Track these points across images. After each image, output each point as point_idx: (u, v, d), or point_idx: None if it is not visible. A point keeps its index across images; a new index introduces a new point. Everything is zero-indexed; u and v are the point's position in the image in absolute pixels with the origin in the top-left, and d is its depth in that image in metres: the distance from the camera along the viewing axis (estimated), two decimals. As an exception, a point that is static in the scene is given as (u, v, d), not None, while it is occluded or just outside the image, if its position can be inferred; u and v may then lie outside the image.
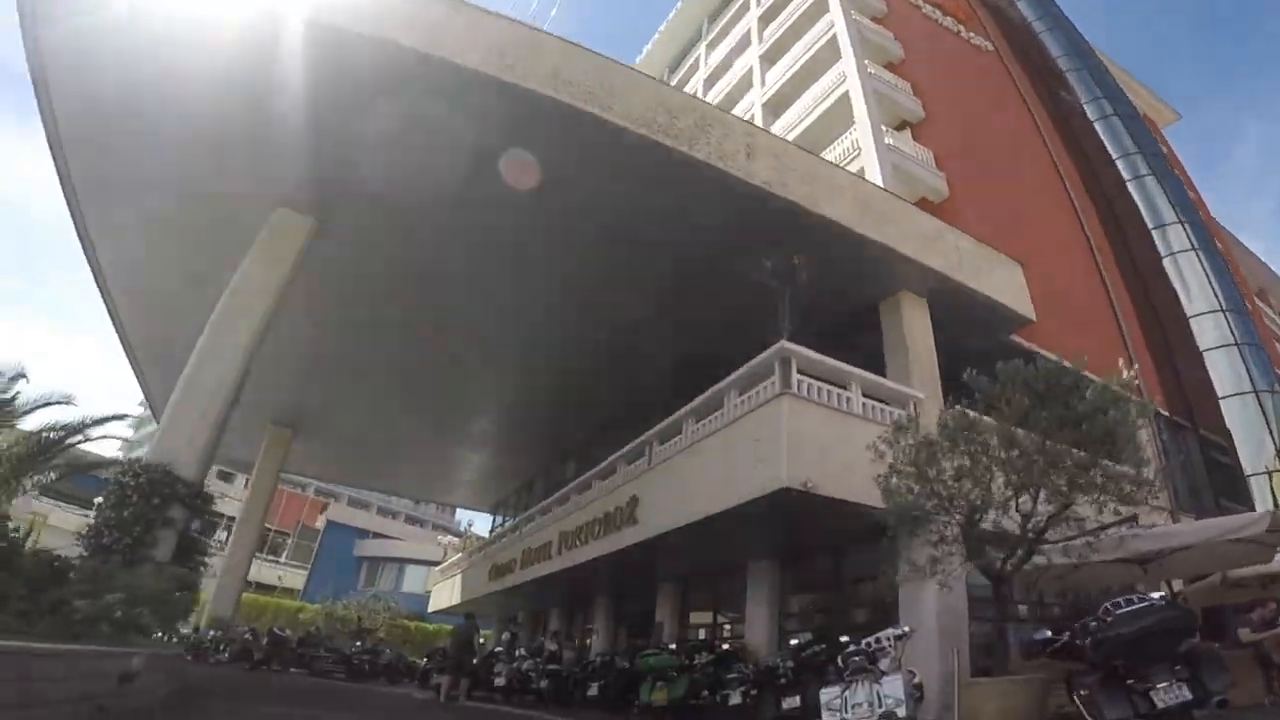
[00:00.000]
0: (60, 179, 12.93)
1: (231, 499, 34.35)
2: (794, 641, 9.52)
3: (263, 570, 40.29)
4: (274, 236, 12.42)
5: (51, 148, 12.12)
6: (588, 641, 18.85)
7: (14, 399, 12.70)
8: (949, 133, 17.82)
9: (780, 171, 11.35)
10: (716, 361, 11.89)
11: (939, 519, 7.45)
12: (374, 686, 16.87)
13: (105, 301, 17.36)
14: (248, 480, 27.06)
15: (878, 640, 6.88)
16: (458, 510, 62.85)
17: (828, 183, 11.92)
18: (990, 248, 13.10)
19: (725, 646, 11.85)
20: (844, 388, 10.07)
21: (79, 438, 13.71)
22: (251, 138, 11.23)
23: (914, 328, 11.93)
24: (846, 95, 17.98)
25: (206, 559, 12.35)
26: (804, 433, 9.12)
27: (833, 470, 8.92)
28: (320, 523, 46.82)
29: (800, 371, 9.77)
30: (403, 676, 19.15)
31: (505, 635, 15.78)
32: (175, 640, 11.44)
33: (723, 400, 11.12)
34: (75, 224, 14.10)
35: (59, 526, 33.66)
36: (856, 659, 6.64)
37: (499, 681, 14.14)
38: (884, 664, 6.61)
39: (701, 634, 14.24)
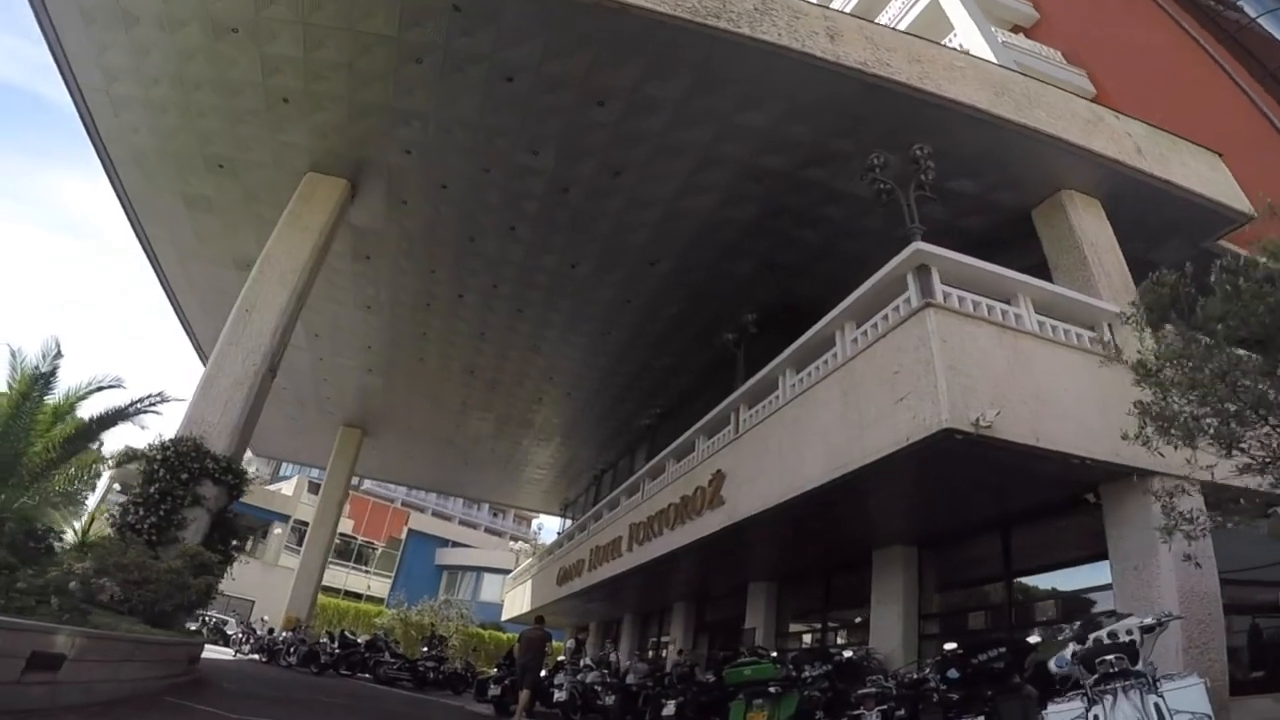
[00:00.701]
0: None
1: (306, 506, 34.53)
2: (950, 647, 6.73)
3: (351, 578, 40.89)
4: (305, 201, 11.79)
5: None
6: (661, 654, 16.38)
7: (53, 372, 11.14)
8: (1073, 32, 14.61)
9: (876, 52, 8.82)
10: (812, 309, 9.39)
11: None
12: (435, 696, 15.32)
13: (166, 290, 16.84)
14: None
15: (1112, 636, 4.22)
16: (534, 522, 62.27)
17: (941, 62, 9.19)
18: (1171, 134, 10.04)
19: (847, 654, 9.08)
20: (1007, 302, 7.33)
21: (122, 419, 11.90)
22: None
23: (1090, 233, 8.93)
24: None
25: (244, 545, 11.09)
26: (965, 356, 6.34)
27: (1013, 406, 6.12)
28: (403, 532, 46.45)
29: (945, 284, 7.02)
30: (468, 686, 17.44)
31: (570, 644, 13.55)
32: (194, 628, 10.02)
33: (833, 338, 8.49)
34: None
35: None
36: (1109, 658, 3.98)
37: (559, 696, 11.76)
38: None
39: (808, 641, 11.55)
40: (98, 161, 12.79)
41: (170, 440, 9.78)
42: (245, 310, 10.95)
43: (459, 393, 20.32)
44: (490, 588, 40.94)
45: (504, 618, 27.81)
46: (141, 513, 9.17)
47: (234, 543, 10.93)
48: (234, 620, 24.30)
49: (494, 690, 12.48)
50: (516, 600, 25.56)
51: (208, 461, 9.71)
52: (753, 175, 10.88)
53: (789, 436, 8.68)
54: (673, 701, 9.87)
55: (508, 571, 34.03)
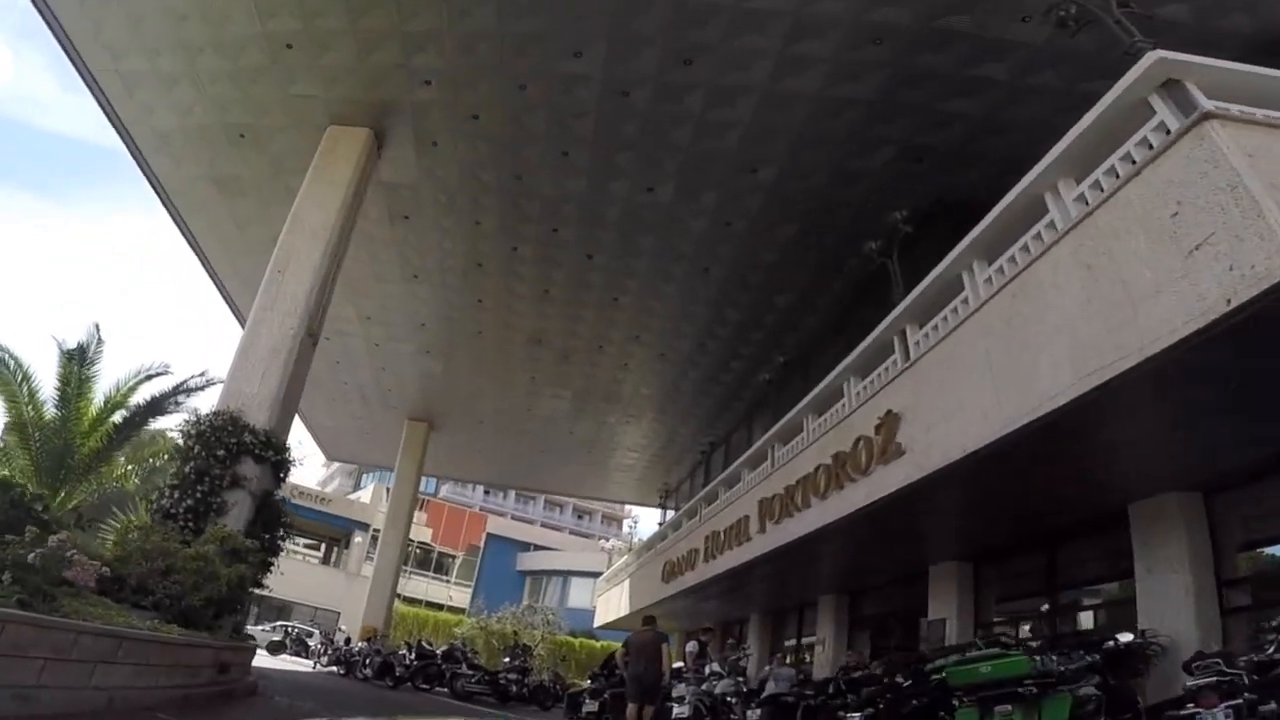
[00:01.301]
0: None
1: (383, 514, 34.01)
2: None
3: (431, 588, 41.13)
4: (329, 155, 11.54)
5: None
6: (804, 658, 13.99)
7: (92, 346, 11.53)
8: None
9: None
10: (983, 201, 7.20)
11: None
12: (519, 713, 13.94)
13: (218, 286, 16.73)
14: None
15: None
16: (626, 523, 61.34)
17: None
18: None
19: (1124, 639, 6.39)
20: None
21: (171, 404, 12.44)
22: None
23: None
24: None
25: (290, 532, 10.85)
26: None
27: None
28: (482, 537, 46.25)
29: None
30: (556, 700, 16.05)
31: (691, 647, 11.43)
32: (237, 631, 9.23)
33: (1043, 202, 6.06)
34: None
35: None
36: None
37: (680, 711, 9.48)
38: None
39: (1025, 630, 8.82)
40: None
41: (205, 415, 9.50)
42: (277, 272, 10.54)
43: (525, 367, 18.85)
44: (579, 593, 39.77)
45: (597, 624, 26.41)
46: (176, 496, 8.76)
47: (280, 531, 10.18)
48: (318, 632, 24.30)
49: (589, 706, 10.62)
50: (611, 604, 23.95)
51: (246, 436, 9.31)
52: (867, 36, 8.99)
53: (999, 346, 6.27)
54: (858, 714, 7.40)
55: (598, 574, 32.74)
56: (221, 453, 9.03)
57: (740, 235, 12.95)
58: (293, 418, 10.84)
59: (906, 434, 7.42)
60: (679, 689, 9.90)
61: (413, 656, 16.44)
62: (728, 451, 20.58)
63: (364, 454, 30.16)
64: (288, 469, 10.39)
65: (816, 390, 10.54)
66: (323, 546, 42.37)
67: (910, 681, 7.32)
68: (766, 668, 11.28)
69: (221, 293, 16.88)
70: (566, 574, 42.45)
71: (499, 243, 13.90)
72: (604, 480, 28.35)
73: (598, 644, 29.84)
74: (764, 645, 15.86)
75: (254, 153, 12.47)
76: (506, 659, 17.14)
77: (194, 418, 9.51)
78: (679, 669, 10.88)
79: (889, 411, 7.81)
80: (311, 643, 22.84)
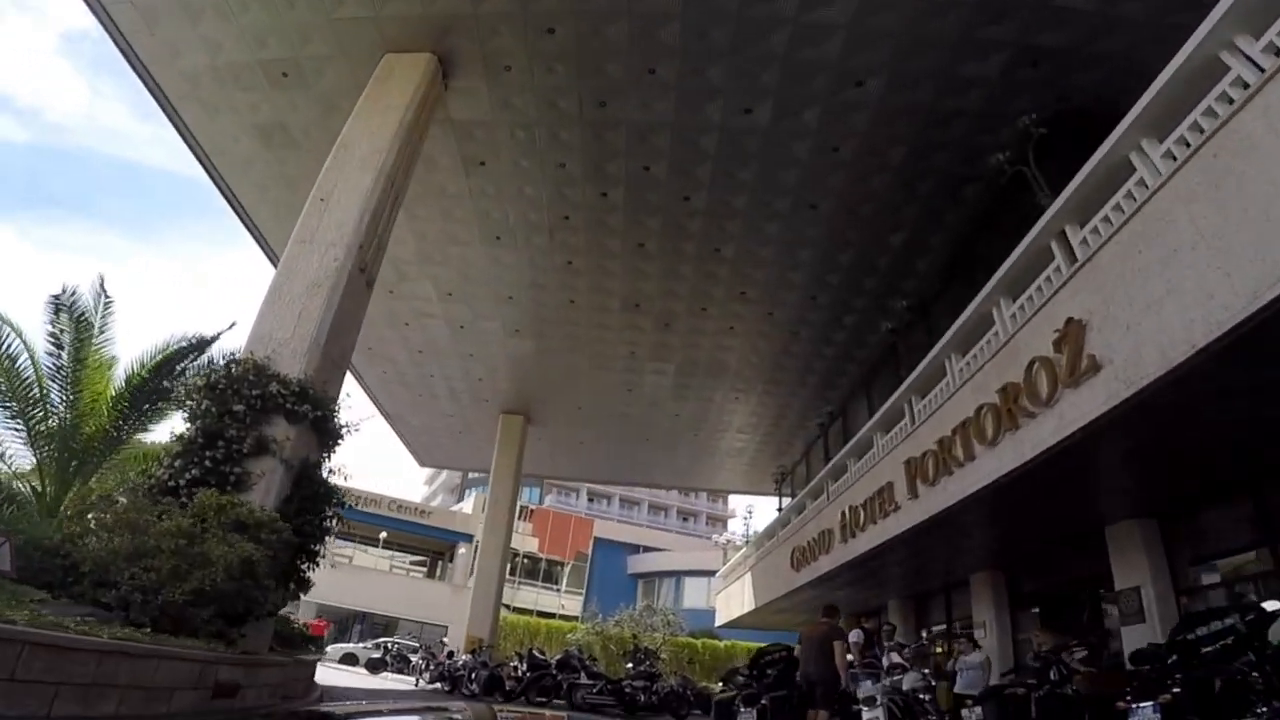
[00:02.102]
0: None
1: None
2: None
3: (542, 598, 41.56)
4: (383, 82, 10.44)
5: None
6: (954, 646, 12.61)
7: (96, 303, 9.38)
8: None
9: None
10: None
11: None
12: None
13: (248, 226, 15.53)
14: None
15: None
16: (729, 523, 60.71)
17: None
18: None
19: None
20: None
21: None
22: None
23: None
24: None
25: (338, 515, 8.29)
26: None
27: None
28: (590, 543, 46.40)
29: None
30: (692, 708, 15.41)
31: (855, 637, 10.01)
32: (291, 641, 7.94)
33: (1222, 64, 5.27)
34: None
35: (364, 566, 37.36)
36: None
37: (873, 716, 8.25)
38: None
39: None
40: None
41: (219, 365, 7.80)
42: (319, 199, 9.23)
43: (624, 340, 18.01)
44: (693, 593, 39.84)
45: (718, 623, 25.59)
46: (178, 465, 6.83)
47: (327, 512, 8.05)
48: (421, 647, 24.28)
49: (745, 714, 9.48)
50: (733, 601, 23.10)
51: (272, 386, 7.42)
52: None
53: (1210, 213, 5.10)
54: (1149, 705, 5.74)
55: (712, 573, 32.43)
56: (240, 408, 7.21)
57: (847, 162, 11.83)
58: (343, 372, 9.31)
59: (1099, 343, 6.17)
60: (865, 687, 8.71)
61: (524, 668, 15.97)
62: (845, 424, 19.47)
63: (459, 457, 30.13)
64: (337, 434, 8.34)
65: (960, 321, 9.38)
66: (427, 561, 43.83)
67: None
68: (977, 654, 10.03)
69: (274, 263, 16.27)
70: (679, 574, 42.42)
71: (586, 189, 13.05)
72: (712, 469, 27.32)
73: (721, 644, 29.35)
74: (906, 633, 14.64)
75: (300, 94, 11.55)
76: (630, 665, 16.53)
77: (208, 368, 8.07)
78: (851, 663, 9.68)
79: (1069, 320, 6.58)
80: (414, 658, 22.71)
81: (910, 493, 9.71)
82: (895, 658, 8.69)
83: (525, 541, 42.17)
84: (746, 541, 26.97)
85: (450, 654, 19.81)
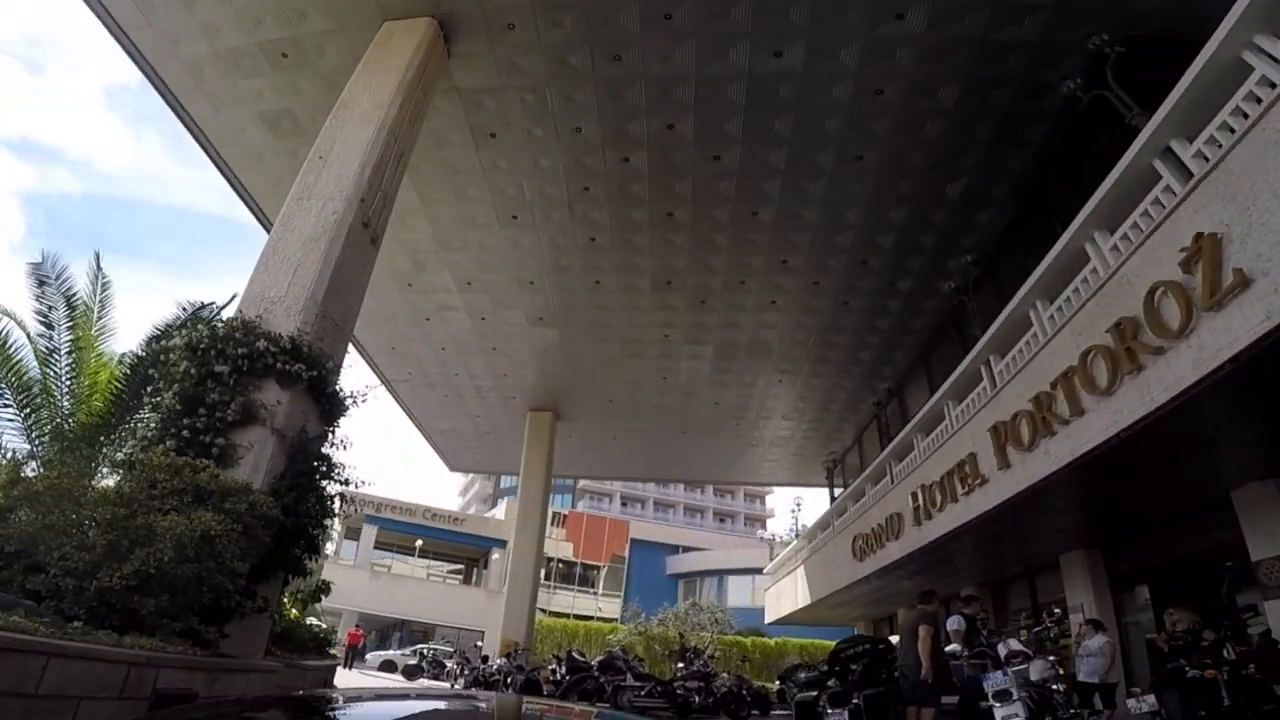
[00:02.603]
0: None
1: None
2: None
3: (579, 601, 41.59)
4: (383, 46, 9.96)
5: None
6: (1037, 631, 11.41)
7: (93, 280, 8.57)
8: None
9: None
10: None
11: None
12: None
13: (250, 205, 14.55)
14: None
15: None
16: (769, 524, 60.04)
17: None
18: None
19: None
20: None
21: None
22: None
23: None
24: None
25: (342, 496, 7.07)
26: None
27: None
28: (625, 546, 46.39)
29: None
30: (750, 709, 14.44)
31: (953, 624, 8.79)
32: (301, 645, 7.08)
33: None
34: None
35: (402, 575, 37.87)
36: None
37: (1010, 713, 6.98)
38: None
39: None
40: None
41: (201, 325, 6.80)
42: (318, 158, 8.54)
43: (657, 322, 16.96)
44: (738, 591, 39.32)
45: (768, 620, 24.73)
46: (152, 434, 5.99)
47: (327, 490, 6.77)
48: (456, 651, 24.15)
49: (834, 715, 8.44)
50: (784, 597, 22.24)
51: (261, 343, 6.43)
52: None
53: None
54: None
55: (756, 571, 31.85)
56: (224, 369, 6.27)
57: (894, 105, 10.77)
58: (346, 336, 8.45)
59: (1245, 254, 5.17)
60: (995, 679, 7.51)
61: (563, 670, 15.25)
62: (903, 402, 18.37)
63: (488, 460, 29.40)
64: (339, 402, 7.27)
65: (1044, 264, 8.41)
66: (463, 568, 43.82)
67: None
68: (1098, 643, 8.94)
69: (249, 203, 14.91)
70: (722, 573, 41.81)
71: (605, 154, 12.12)
72: (756, 461, 26.07)
73: (770, 641, 28.61)
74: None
75: (301, 76, 11.13)
76: (679, 665, 15.59)
77: (188, 326, 7.12)
78: (953, 653, 8.65)
79: (1199, 236, 5.53)
80: (449, 664, 22.50)
81: (1001, 462, 8.65)
82: (1014, 644, 7.55)
83: (559, 547, 41.88)
84: (797, 535, 26.03)
85: (485, 658, 19.36)
